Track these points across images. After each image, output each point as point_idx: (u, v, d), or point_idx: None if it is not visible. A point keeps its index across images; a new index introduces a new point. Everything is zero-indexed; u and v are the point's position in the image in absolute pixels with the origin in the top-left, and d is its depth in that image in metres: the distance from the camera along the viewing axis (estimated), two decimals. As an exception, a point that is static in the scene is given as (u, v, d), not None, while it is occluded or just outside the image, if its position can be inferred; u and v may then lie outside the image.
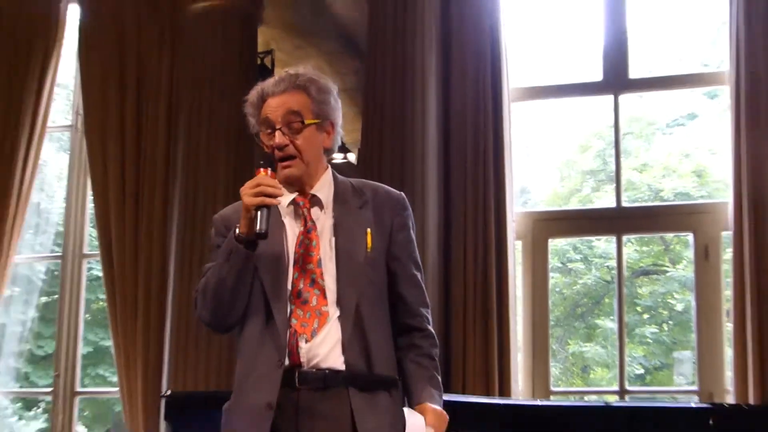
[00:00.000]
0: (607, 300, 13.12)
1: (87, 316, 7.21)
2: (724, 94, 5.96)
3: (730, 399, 5.67)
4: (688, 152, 13.56)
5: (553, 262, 6.53)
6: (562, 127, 13.29)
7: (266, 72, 7.13)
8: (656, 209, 7.95)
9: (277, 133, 2.84)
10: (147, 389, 6.24)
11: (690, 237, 6.32)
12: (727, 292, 5.94)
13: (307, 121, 2.87)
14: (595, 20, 6.45)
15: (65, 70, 7.07)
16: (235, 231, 2.74)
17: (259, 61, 6.74)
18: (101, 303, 6.89)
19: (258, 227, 2.67)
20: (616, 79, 6.40)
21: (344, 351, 2.79)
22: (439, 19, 6.15)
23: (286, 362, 2.75)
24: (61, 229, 7.42)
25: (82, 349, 7.17)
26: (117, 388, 6.49)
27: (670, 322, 13.60)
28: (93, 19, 6.90)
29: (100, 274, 6.74)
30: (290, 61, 7.71)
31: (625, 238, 6.51)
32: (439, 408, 2.86)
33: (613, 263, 6.91)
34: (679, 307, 13.24)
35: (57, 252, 7.48)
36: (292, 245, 2.88)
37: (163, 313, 6.27)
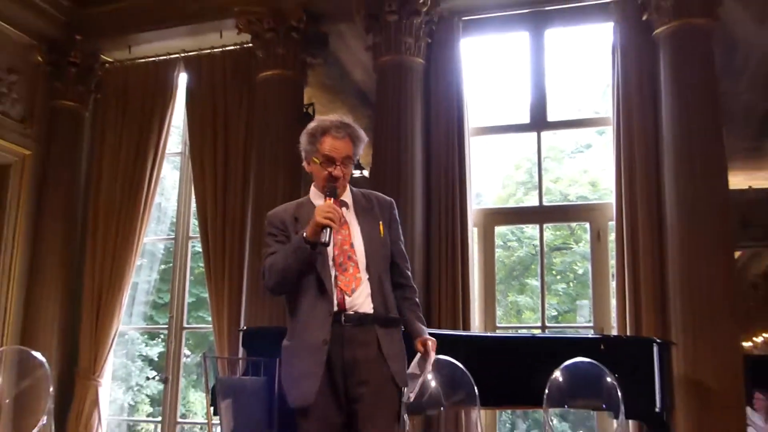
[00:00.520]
0: (533, 266, 13.04)
1: (191, 277, 7.19)
2: (609, 131, 5.95)
3: (614, 332, 5.69)
4: (586, 169, 13.50)
5: (497, 241, 6.50)
6: (503, 153, 13.25)
7: (309, 118, 7.13)
8: (565, 207, 7.96)
9: (338, 168, 2.85)
10: (230, 326, 6.25)
11: (587, 225, 6.30)
12: (612, 262, 5.96)
13: (350, 164, 2.91)
14: (525, 81, 6.42)
15: (177, 116, 7.07)
16: (303, 233, 2.73)
17: (304, 110, 6.71)
18: (200, 269, 6.90)
19: (323, 239, 2.68)
20: (539, 121, 6.38)
21: (372, 301, 2.83)
22: (423, 84, 6.13)
23: (335, 309, 2.77)
24: (174, 220, 7.41)
25: (188, 299, 7.20)
26: (210, 325, 6.51)
27: (574, 281, 13.53)
28: (195, 83, 6.91)
29: (200, 249, 6.75)
30: (325, 111, 7.70)
31: (545, 225, 6.51)
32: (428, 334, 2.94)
33: (537, 242, 6.94)
34: (580, 271, 13.16)
35: (171, 235, 7.49)
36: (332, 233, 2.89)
37: (241, 276, 6.27)
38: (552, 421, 4.38)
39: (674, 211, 5.27)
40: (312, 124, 2.98)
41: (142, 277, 8.46)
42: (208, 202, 6.57)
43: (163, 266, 9.72)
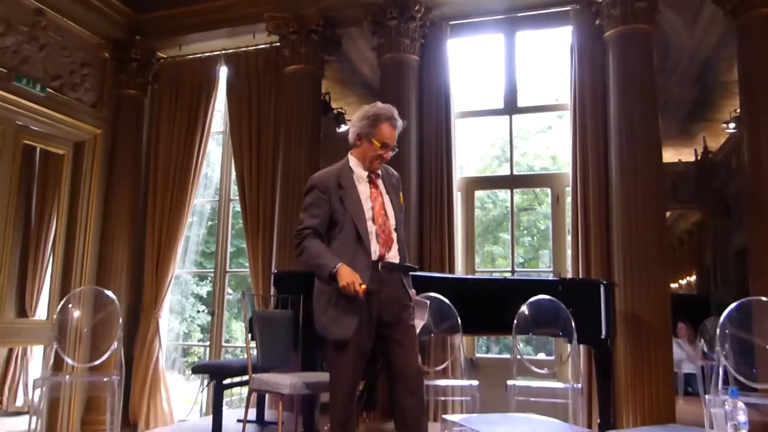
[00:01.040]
0: (504, 224, 13.01)
1: (232, 231, 7.21)
2: (567, 115, 5.92)
3: (569, 275, 5.71)
4: (548, 146, 13.44)
5: (476, 203, 6.50)
6: (482, 132, 13.15)
7: (326, 105, 7.10)
8: (531, 176, 7.93)
9: (390, 152, 2.95)
10: (264, 269, 6.27)
11: (549, 190, 6.30)
12: (568, 220, 5.97)
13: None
14: (499, 74, 6.37)
15: (219, 102, 7.02)
16: (334, 270, 2.73)
17: (322, 98, 6.66)
18: (239, 225, 6.92)
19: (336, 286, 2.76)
20: (510, 106, 6.37)
21: (398, 253, 2.92)
22: (417, 77, 6.09)
23: (375, 259, 2.83)
24: (218, 186, 7.40)
25: (230, 249, 7.22)
26: (248, 269, 6.52)
27: (538, 235, 13.52)
28: (234, 76, 6.85)
29: (239, 209, 6.74)
30: (339, 99, 7.67)
31: (514, 191, 6.50)
32: None
33: (508, 204, 6.94)
34: (543, 227, 13.15)
35: (216, 198, 7.49)
36: (367, 198, 2.91)
37: (272, 230, 6.27)
38: (519, 345, 4.42)
39: (618, 179, 5.27)
40: (372, 110, 2.98)
41: (193, 231, 8.47)
42: (245, 171, 6.56)
43: (209, 223, 9.75)
